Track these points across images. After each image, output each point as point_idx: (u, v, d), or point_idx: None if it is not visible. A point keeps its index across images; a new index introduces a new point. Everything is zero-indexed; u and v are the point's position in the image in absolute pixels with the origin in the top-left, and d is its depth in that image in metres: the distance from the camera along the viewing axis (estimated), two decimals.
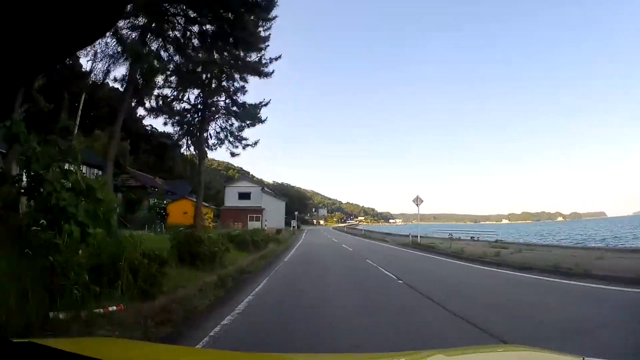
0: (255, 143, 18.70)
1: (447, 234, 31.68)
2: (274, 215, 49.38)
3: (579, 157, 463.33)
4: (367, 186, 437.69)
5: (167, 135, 59.95)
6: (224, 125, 18.72)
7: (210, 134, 19.46)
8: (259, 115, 18.87)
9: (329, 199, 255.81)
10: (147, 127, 54.53)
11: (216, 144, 19.45)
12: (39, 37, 1.32)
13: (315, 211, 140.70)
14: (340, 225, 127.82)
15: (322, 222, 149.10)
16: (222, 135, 19.04)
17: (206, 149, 19.72)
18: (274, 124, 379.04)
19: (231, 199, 52.32)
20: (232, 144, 18.59)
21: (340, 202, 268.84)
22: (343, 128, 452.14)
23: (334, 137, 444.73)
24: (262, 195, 50.99)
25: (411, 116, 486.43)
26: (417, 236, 22.71)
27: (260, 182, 53.69)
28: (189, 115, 19.34)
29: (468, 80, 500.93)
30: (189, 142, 19.74)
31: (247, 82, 18.44)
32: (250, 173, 62.30)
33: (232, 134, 18.47)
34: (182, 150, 21.31)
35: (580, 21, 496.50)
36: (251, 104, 18.46)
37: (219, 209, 52.71)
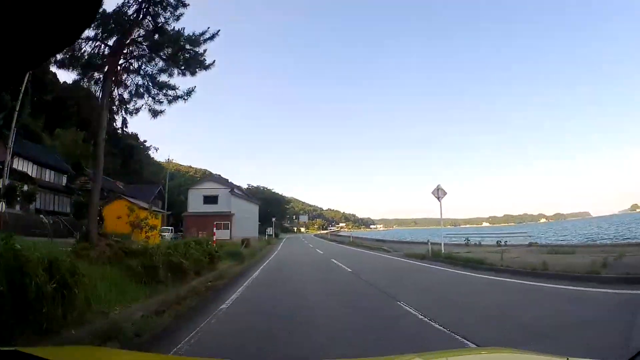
0: (189, 93, 11.33)
1: (463, 239, 25.42)
2: (245, 221, 41.80)
3: (561, 157, 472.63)
4: (347, 192, 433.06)
5: (135, 136, 53.72)
6: (143, 68, 11.37)
7: (130, 91, 12.10)
8: (202, 57, 11.68)
9: (310, 205, 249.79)
10: (117, 130, 51.92)
11: (137, 108, 12.18)
12: (18, 46, 1.30)
13: (295, 218, 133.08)
14: (322, 232, 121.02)
15: (302, 229, 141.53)
16: (141, 90, 11.66)
17: (124, 113, 12.40)
18: (253, 130, 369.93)
19: (195, 203, 44.58)
20: (153, 98, 11.27)
21: (321, 208, 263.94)
22: (325, 135, 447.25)
23: (314, 143, 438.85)
24: (231, 198, 43.29)
25: (392, 121, 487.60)
26: (441, 244, 15.97)
27: (229, 183, 45.90)
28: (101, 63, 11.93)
29: (446, 82, 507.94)
30: (98, 95, 12.28)
31: (185, 6, 11.31)
32: (230, 181, 54.15)
33: (152, 79, 11.16)
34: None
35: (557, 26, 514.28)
36: (188, 35, 11.27)
37: (180, 216, 45.03)
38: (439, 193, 15.78)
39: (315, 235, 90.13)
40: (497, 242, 21.18)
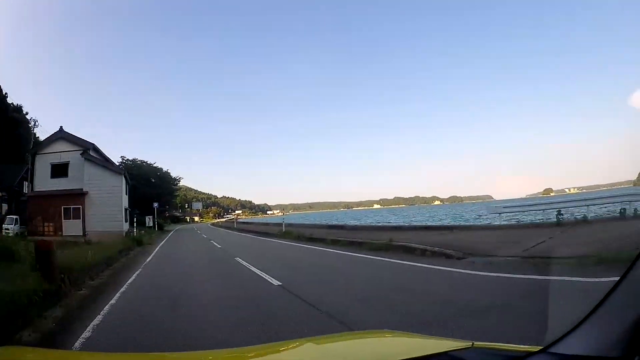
0: None
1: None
2: (105, 206, 24.55)
3: (460, 141, 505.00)
4: (242, 179, 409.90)
5: (19, 108, 41.23)
6: None
7: None
8: None
9: (204, 193, 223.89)
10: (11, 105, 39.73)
11: None
12: None
13: (188, 207, 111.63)
14: (220, 220, 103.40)
15: (197, 218, 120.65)
16: None
17: None
18: (133, 112, 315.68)
19: (42, 177, 25.37)
20: None
21: (215, 196, 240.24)
22: (216, 120, 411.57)
23: (206, 130, 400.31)
24: (84, 165, 25.14)
25: (284, 102, 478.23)
26: None
27: (85, 143, 27.00)
28: None
29: (340, 70, 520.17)
30: None
31: None
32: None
33: None
34: None
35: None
36: None
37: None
38: None
39: (212, 224, 72.47)
40: (620, 210, 11.07)
